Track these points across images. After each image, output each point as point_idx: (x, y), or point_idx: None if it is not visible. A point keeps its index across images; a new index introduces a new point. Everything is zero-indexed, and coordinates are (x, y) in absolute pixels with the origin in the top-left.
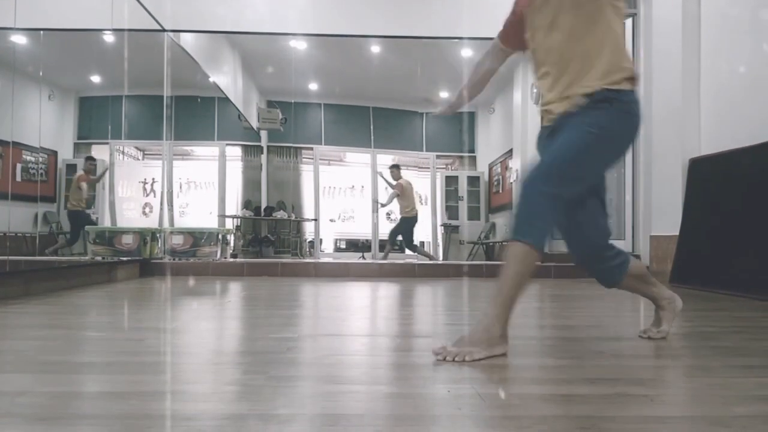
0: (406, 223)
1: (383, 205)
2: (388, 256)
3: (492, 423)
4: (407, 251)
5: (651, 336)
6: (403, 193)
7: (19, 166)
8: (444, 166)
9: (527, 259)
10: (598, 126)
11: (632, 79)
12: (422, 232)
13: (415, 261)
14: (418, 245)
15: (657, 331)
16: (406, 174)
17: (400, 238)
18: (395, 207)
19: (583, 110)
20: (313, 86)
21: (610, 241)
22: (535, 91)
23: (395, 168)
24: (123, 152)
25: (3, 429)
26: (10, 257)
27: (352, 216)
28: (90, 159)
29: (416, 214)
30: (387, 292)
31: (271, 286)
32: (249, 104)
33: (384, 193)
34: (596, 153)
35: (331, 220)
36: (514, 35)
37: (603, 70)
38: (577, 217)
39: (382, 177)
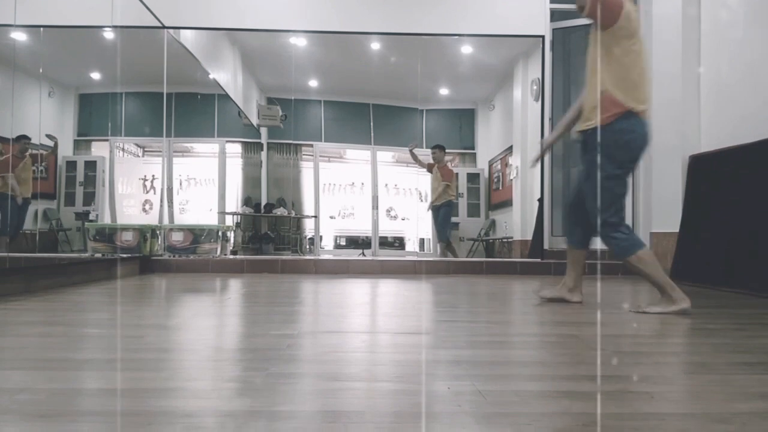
0: (451, 209)
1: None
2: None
3: (492, 420)
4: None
5: (638, 310)
6: (451, 178)
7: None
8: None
9: (642, 260)
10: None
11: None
12: (422, 229)
13: (414, 258)
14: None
15: (647, 305)
16: (406, 172)
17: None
18: (395, 204)
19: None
20: (313, 83)
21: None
22: (535, 88)
23: (439, 149)
24: (123, 149)
25: (3, 426)
26: (11, 254)
27: (352, 213)
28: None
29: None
30: (387, 289)
31: (271, 282)
32: (249, 101)
33: (384, 190)
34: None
35: (331, 217)
36: None
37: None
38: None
39: (416, 159)
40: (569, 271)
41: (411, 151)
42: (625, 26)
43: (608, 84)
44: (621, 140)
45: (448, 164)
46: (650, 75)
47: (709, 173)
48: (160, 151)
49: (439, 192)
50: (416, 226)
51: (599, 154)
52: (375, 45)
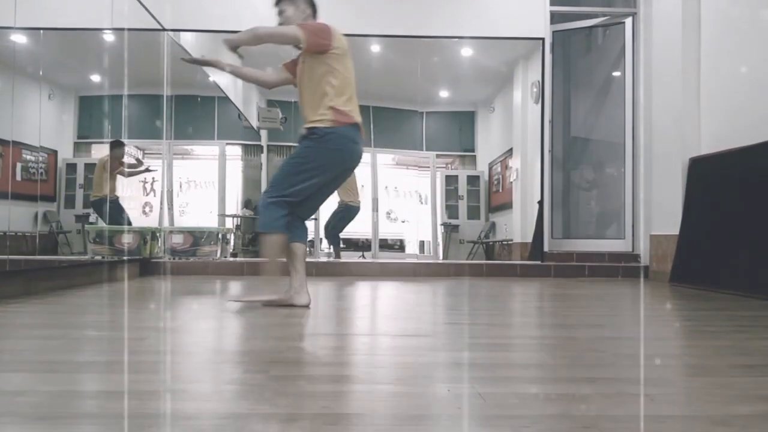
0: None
1: None
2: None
3: (492, 422)
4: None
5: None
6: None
7: (19, 166)
8: (444, 166)
9: (269, 243)
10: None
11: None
12: (422, 231)
13: (414, 260)
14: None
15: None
16: (406, 174)
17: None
18: (395, 206)
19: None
20: None
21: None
22: (535, 90)
23: None
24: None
25: (3, 428)
26: (11, 256)
27: None
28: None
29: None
30: (387, 291)
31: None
32: (249, 103)
33: (384, 193)
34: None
35: None
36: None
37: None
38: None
39: None
40: (293, 271)
41: None
42: (338, 46)
43: (340, 101)
44: (336, 145)
45: None
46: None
47: (708, 175)
48: (161, 154)
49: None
50: (416, 229)
51: (304, 147)
52: (375, 47)
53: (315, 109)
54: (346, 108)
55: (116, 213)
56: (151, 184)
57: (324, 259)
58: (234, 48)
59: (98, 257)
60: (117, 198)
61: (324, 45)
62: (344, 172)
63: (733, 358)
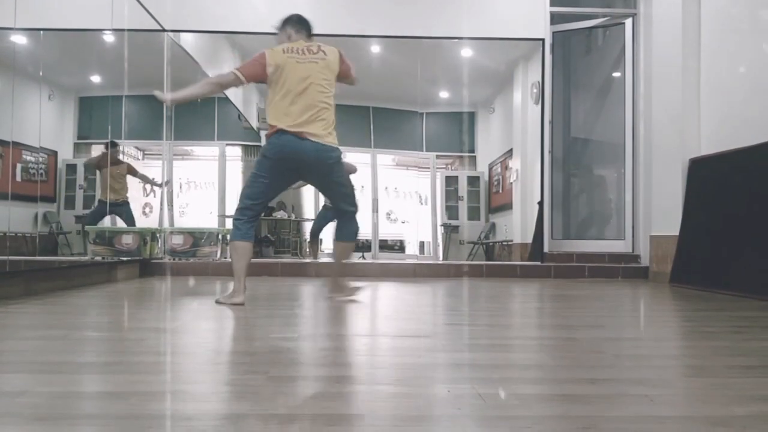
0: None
1: None
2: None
3: (492, 423)
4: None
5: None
6: None
7: (19, 166)
8: (444, 166)
9: (234, 248)
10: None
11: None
12: (422, 232)
13: (414, 261)
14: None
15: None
16: (406, 174)
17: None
18: (395, 207)
19: None
20: None
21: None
22: (535, 91)
23: None
24: (123, 152)
25: (3, 429)
26: (11, 257)
27: None
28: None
29: None
30: (387, 291)
31: (272, 286)
32: (249, 104)
33: (384, 193)
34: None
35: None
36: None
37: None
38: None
39: None
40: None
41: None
42: (273, 64)
43: (270, 116)
44: (265, 149)
45: None
46: (305, 100)
47: (708, 176)
48: (161, 155)
49: None
50: (416, 230)
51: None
52: (375, 48)
53: None
54: (274, 122)
55: (123, 216)
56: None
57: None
58: (174, 104)
59: (98, 258)
60: (120, 201)
61: (259, 76)
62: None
63: (732, 359)
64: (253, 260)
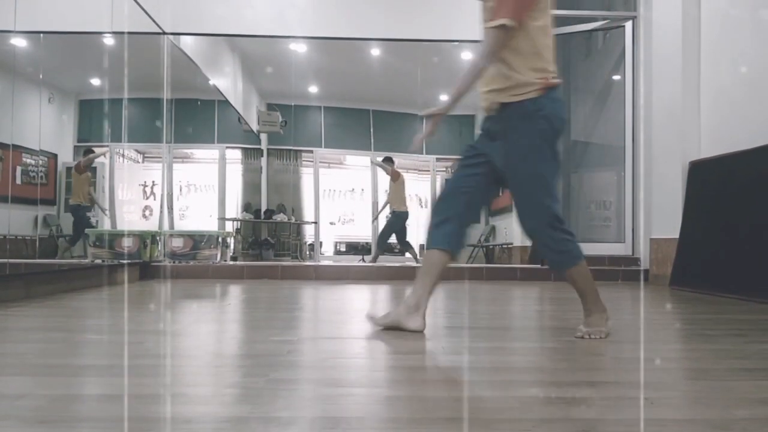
0: (400, 220)
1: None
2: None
3: (491, 426)
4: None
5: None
6: (398, 182)
7: (19, 169)
8: (444, 169)
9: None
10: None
11: None
12: (422, 235)
13: (414, 263)
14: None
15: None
16: (406, 178)
17: (392, 240)
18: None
19: None
20: (313, 89)
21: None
22: None
23: (389, 161)
24: (123, 155)
25: None
26: (11, 260)
27: (352, 219)
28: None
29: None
30: (387, 294)
31: (271, 288)
32: (249, 107)
33: (384, 196)
34: None
35: (331, 223)
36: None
37: None
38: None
39: (378, 164)
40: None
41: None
42: None
43: (534, 59)
44: (547, 112)
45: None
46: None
47: (708, 179)
48: (160, 157)
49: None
50: (416, 233)
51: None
52: (375, 51)
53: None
54: (550, 68)
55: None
56: (151, 187)
57: (324, 262)
58: (443, 113)
59: (98, 261)
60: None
61: (532, 3)
62: None
63: (733, 361)
64: (253, 263)
